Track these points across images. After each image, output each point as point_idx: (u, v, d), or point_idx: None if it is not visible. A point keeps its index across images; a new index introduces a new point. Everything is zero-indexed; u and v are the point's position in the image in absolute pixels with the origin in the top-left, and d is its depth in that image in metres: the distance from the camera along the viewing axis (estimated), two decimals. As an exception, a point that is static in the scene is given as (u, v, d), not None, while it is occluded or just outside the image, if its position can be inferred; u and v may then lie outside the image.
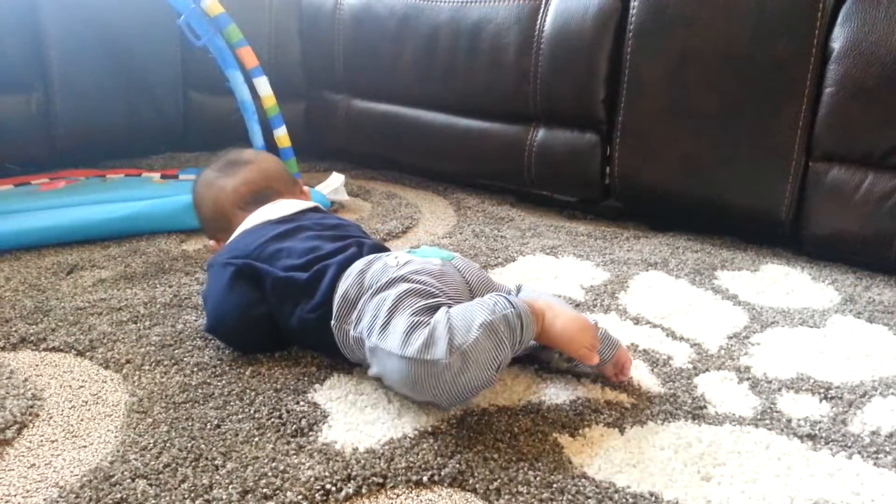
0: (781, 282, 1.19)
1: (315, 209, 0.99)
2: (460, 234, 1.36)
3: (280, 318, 0.85)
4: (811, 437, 0.76)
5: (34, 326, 0.91)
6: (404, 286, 0.76)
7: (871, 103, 1.17)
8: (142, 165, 1.70)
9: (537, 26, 1.44)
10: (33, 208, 1.24)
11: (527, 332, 0.74)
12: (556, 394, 0.81)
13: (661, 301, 1.09)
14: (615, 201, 1.49)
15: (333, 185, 1.50)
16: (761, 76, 1.25)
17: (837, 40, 1.18)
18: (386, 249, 0.91)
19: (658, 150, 1.38)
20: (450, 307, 0.74)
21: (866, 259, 1.25)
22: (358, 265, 0.82)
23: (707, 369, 0.89)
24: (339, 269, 0.82)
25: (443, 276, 0.80)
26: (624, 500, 0.65)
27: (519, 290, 0.89)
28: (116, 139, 1.72)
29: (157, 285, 1.05)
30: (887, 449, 0.74)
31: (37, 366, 0.83)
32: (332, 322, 0.81)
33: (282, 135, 1.50)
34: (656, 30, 1.32)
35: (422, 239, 1.34)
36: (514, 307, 0.73)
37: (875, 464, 0.72)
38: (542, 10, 1.44)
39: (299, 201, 1.00)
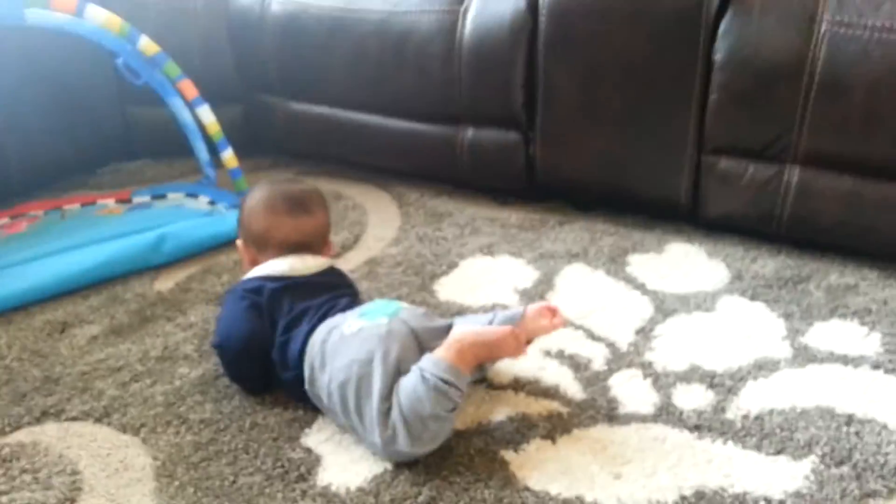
0: (682, 263, 1.40)
1: (330, 269, 1.15)
2: (406, 240, 1.52)
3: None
4: (697, 427, 0.98)
5: (50, 398, 1.05)
6: (360, 359, 0.93)
7: (747, 107, 1.36)
8: (91, 184, 1.79)
9: (457, 38, 1.56)
10: (7, 265, 1.34)
11: (461, 387, 0.91)
12: (499, 411, 1.01)
13: (583, 298, 1.29)
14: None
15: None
16: (658, 83, 1.42)
17: (719, 52, 1.35)
18: (357, 301, 1.09)
19: (572, 147, 1.55)
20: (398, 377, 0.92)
21: (753, 234, 1.47)
22: (319, 335, 0.98)
23: (619, 368, 1.10)
24: (305, 340, 0.99)
25: (390, 335, 0.95)
26: (557, 506, 0.86)
27: (453, 322, 1.05)
28: (65, 163, 1.79)
29: (146, 337, 1.19)
30: (753, 431, 0.97)
31: (63, 438, 0.98)
32: (305, 387, 0.98)
33: (228, 157, 1.60)
34: (564, 42, 1.46)
35: (371, 248, 1.49)
36: (443, 381, 0.89)
37: (742, 446, 0.95)
38: (460, 24, 1.56)
39: (321, 260, 1.14)
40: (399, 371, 0.92)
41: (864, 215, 1.33)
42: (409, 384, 0.90)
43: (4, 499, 0.86)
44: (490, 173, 1.67)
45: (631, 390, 1.06)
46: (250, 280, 1.10)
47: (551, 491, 0.88)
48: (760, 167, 1.40)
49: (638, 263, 1.41)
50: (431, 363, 0.91)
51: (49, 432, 0.99)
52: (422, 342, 0.98)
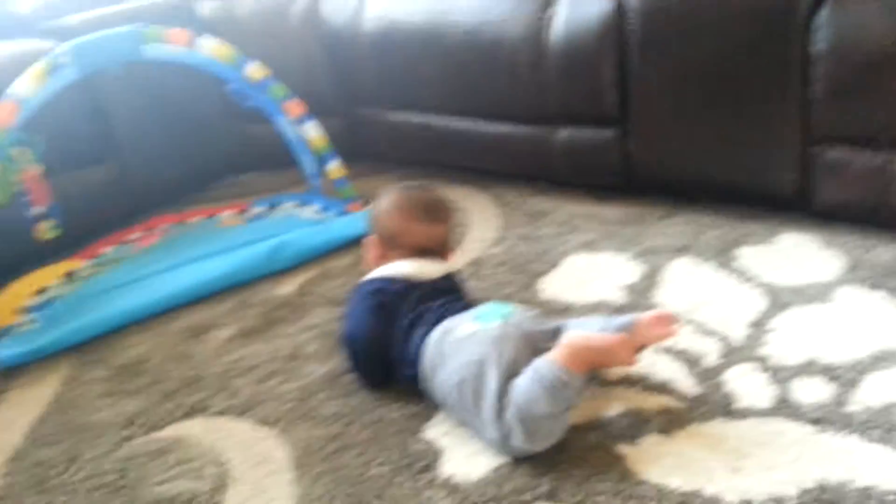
0: (795, 254, 1.38)
1: (448, 275, 1.19)
2: (508, 240, 1.56)
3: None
4: (818, 420, 0.97)
5: (195, 395, 1.15)
6: (474, 360, 0.98)
7: (853, 96, 1.33)
8: (210, 198, 1.92)
9: (546, 43, 1.59)
10: (145, 275, 1.47)
11: (578, 389, 0.94)
12: (612, 406, 1.03)
13: (691, 292, 1.29)
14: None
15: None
16: (754, 78, 1.41)
17: (817, 44, 1.33)
18: (471, 304, 1.13)
19: (670, 143, 1.55)
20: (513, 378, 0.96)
21: (868, 222, 1.42)
22: (436, 336, 1.04)
23: (734, 363, 1.10)
24: (422, 341, 1.04)
25: (503, 338, 1.00)
26: (676, 499, 0.88)
27: (564, 325, 1.07)
28: (184, 179, 1.94)
29: (274, 338, 1.28)
30: (877, 423, 0.96)
31: (210, 432, 1.07)
32: (421, 384, 1.05)
33: (335, 168, 1.69)
34: (655, 42, 1.48)
35: (474, 249, 1.54)
36: (560, 380, 0.92)
37: (867, 439, 0.94)
38: (548, 29, 1.59)
39: (443, 265, 1.20)
40: (512, 372, 0.96)
41: None
42: (523, 384, 0.94)
43: (162, 488, 0.96)
44: (586, 171, 1.69)
45: (747, 384, 1.06)
46: (375, 280, 1.16)
47: (669, 484, 0.90)
48: (869, 155, 1.36)
49: (748, 256, 1.39)
50: (546, 364, 0.94)
51: (196, 427, 1.08)
52: (534, 344, 1.01)
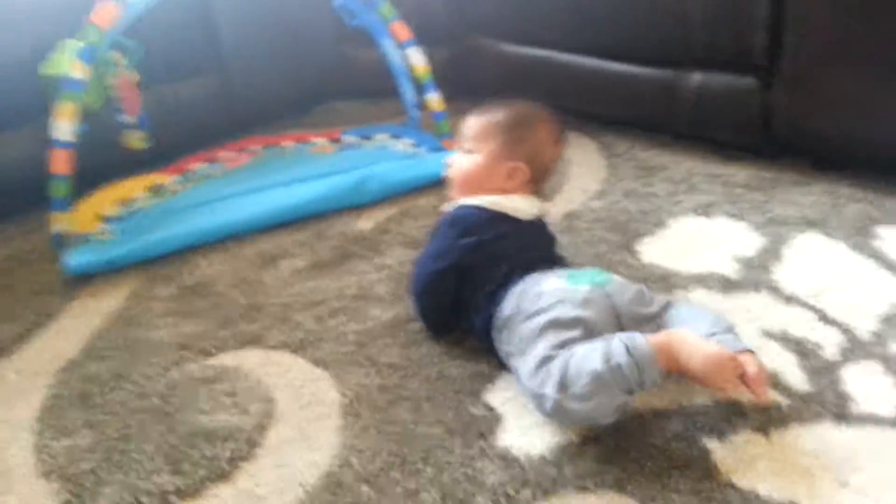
0: (950, 240, 1.17)
1: (539, 219, 1.08)
2: (611, 194, 1.41)
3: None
4: (957, 441, 0.81)
5: (253, 325, 1.10)
6: (547, 317, 0.86)
7: None
8: (306, 122, 1.86)
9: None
10: (228, 196, 1.43)
11: (647, 377, 0.79)
12: (704, 393, 0.89)
13: (817, 273, 1.12)
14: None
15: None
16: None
17: None
18: (556, 262, 1.01)
19: (823, 93, 1.34)
20: (582, 341, 0.83)
21: None
22: (519, 287, 0.93)
23: (855, 359, 0.94)
24: (504, 289, 0.94)
25: (587, 303, 0.88)
26: (766, 512, 0.74)
27: (667, 308, 0.92)
28: (284, 100, 1.89)
29: (344, 275, 1.21)
30: None
31: (263, 365, 1.02)
32: (492, 332, 0.94)
33: (435, 99, 1.58)
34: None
35: (572, 200, 1.40)
36: (630, 355, 0.78)
37: None
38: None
39: (540, 204, 1.09)
40: (582, 333, 0.85)
41: None
42: (594, 343, 0.82)
43: (204, 419, 0.91)
44: (717, 123, 1.50)
45: (868, 386, 0.89)
46: (482, 210, 1.03)
47: (760, 491, 0.76)
48: None
49: (890, 237, 1.19)
50: (631, 337, 0.82)
51: (250, 358, 1.03)
52: (622, 320, 0.89)
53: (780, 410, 0.86)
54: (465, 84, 1.85)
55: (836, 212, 1.27)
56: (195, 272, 1.24)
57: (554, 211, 1.36)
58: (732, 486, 0.77)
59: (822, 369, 0.93)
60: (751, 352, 0.84)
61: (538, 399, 0.83)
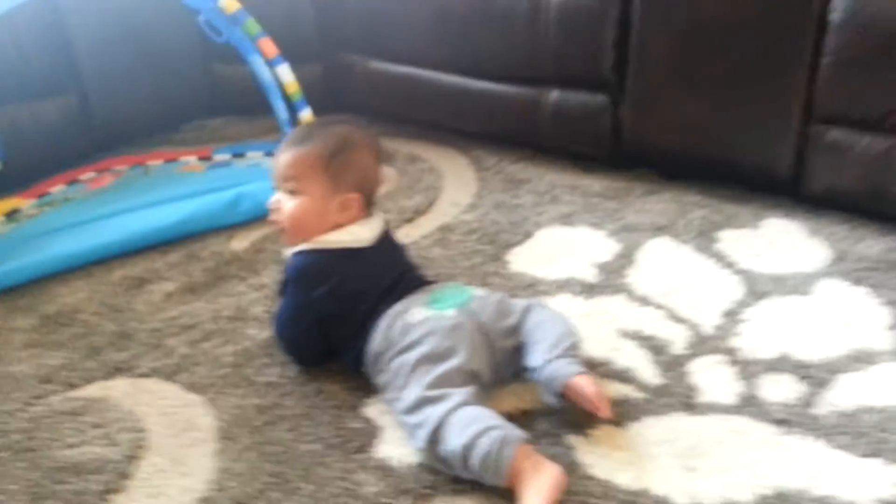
0: (779, 241, 1.30)
1: (387, 233, 1.04)
2: (481, 207, 1.47)
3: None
4: (784, 421, 0.91)
5: (123, 353, 1.07)
6: (419, 352, 0.88)
7: (866, 72, 1.23)
8: (175, 141, 1.82)
9: (544, -5, 1.48)
10: (91, 219, 1.38)
11: (487, 480, 0.80)
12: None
13: (666, 275, 1.21)
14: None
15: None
16: (764, 45, 1.31)
17: (835, 11, 1.22)
18: (422, 283, 1.02)
19: (664, 112, 1.45)
20: (458, 395, 0.84)
21: (860, 212, 1.34)
22: (385, 322, 0.94)
23: (702, 353, 1.03)
24: (369, 325, 0.95)
25: (455, 329, 0.90)
26: (622, 498, 0.81)
27: (525, 315, 0.96)
28: (149, 119, 1.83)
29: (219, 296, 1.20)
30: (845, 429, 0.89)
31: (133, 394, 0.99)
32: (364, 367, 0.96)
33: (307, 116, 1.59)
34: (662, 0, 1.36)
35: (445, 214, 1.45)
36: (496, 459, 0.78)
37: (832, 445, 0.87)
38: (547, -21, 1.47)
39: (376, 223, 1.03)
40: (458, 361, 0.88)
41: None
42: (472, 429, 0.81)
43: (73, 452, 0.89)
44: (574, 138, 1.60)
45: (713, 378, 0.98)
46: (323, 253, 0.98)
47: (617, 481, 0.83)
48: (874, 139, 1.27)
49: (730, 239, 1.31)
50: (506, 442, 0.79)
51: (119, 388, 1.00)
52: (490, 338, 0.93)
53: (635, 404, 0.94)
54: (338, 101, 1.87)
55: (682, 218, 1.38)
56: (58, 300, 1.19)
57: (427, 224, 1.41)
58: (592, 479, 0.83)
59: (671, 363, 1.01)
60: (585, 373, 0.89)
61: (412, 433, 0.86)
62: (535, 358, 0.91)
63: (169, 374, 1.02)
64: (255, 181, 1.52)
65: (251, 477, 0.85)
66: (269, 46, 1.53)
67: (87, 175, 1.59)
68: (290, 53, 1.58)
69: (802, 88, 1.30)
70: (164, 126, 1.87)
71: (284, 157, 1.00)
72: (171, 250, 1.34)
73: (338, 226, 1.00)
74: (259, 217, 1.42)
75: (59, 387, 1.00)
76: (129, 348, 1.08)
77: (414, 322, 0.92)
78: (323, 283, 0.97)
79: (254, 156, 1.68)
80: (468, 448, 0.79)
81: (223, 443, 0.90)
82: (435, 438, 0.82)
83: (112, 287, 1.23)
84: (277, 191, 1.02)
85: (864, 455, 0.85)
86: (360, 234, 1.00)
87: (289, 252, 1.02)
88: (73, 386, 1.00)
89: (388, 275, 1.00)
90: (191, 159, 1.67)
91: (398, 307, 0.96)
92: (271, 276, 1.24)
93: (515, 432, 0.81)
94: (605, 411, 0.87)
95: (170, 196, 1.46)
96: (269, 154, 1.67)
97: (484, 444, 0.79)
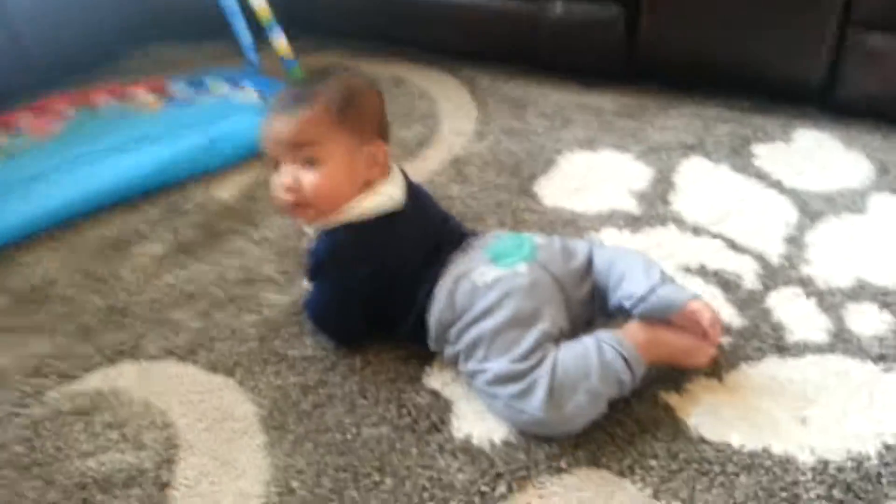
0: (816, 154, 1.22)
1: (412, 191, 0.89)
2: (490, 135, 1.33)
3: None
4: (882, 357, 0.84)
5: (120, 332, 0.90)
6: (502, 317, 0.77)
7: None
8: (119, 70, 1.58)
9: None
10: (44, 171, 1.17)
11: (638, 380, 0.77)
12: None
13: (712, 199, 1.12)
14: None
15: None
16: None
17: None
18: (463, 234, 0.89)
19: (688, 17, 1.33)
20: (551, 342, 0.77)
21: (887, 119, 1.27)
22: (446, 285, 0.81)
23: (776, 286, 0.95)
24: (426, 293, 0.82)
25: (533, 288, 0.79)
26: (744, 463, 0.73)
27: (590, 257, 0.86)
28: (88, 49, 1.60)
29: (219, 255, 1.03)
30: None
31: (145, 381, 0.84)
32: (430, 342, 0.83)
33: (281, 44, 1.39)
34: None
35: (452, 145, 1.31)
36: (630, 370, 0.75)
37: (946, 380, 0.80)
38: None
39: (400, 178, 0.88)
40: (550, 336, 0.77)
41: None
42: (579, 349, 0.76)
43: (92, 462, 0.74)
44: (579, 53, 1.46)
45: (796, 313, 0.90)
46: (359, 227, 0.83)
47: (733, 442, 0.75)
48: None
49: (765, 155, 1.22)
50: (616, 340, 0.76)
51: (127, 376, 0.85)
52: (567, 291, 0.82)
53: (724, 350, 0.85)
54: (308, 21, 1.66)
55: (709, 134, 1.28)
56: (26, 272, 1.01)
57: (436, 157, 1.26)
58: (706, 442, 0.75)
59: (748, 301, 0.92)
60: (699, 297, 0.81)
61: (511, 411, 0.76)
62: (636, 286, 0.80)
63: (183, 355, 0.87)
64: (230, 117, 1.33)
65: (316, 474, 0.72)
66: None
67: (25, 118, 1.35)
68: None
69: (842, -13, 1.19)
70: (104, 55, 1.63)
71: (285, 125, 0.82)
72: (146, 204, 1.15)
73: (367, 184, 0.84)
74: (239, 160, 1.26)
75: (52, 380, 0.84)
76: (126, 326, 0.91)
77: (484, 284, 0.79)
78: (365, 262, 0.83)
79: (217, 87, 1.47)
80: (604, 375, 0.74)
81: (270, 434, 0.77)
82: (555, 402, 0.73)
83: (87, 253, 1.05)
84: (281, 166, 0.83)
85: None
86: (392, 193, 0.85)
87: (313, 230, 0.86)
88: (69, 378, 0.84)
89: (428, 233, 0.87)
90: (145, 94, 1.44)
91: (455, 269, 0.82)
92: (275, 229, 1.09)
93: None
94: (716, 338, 0.80)
95: (132, 140, 1.25)
96: (234, 84, 1.46)
97: (607, 353, 0.75)
